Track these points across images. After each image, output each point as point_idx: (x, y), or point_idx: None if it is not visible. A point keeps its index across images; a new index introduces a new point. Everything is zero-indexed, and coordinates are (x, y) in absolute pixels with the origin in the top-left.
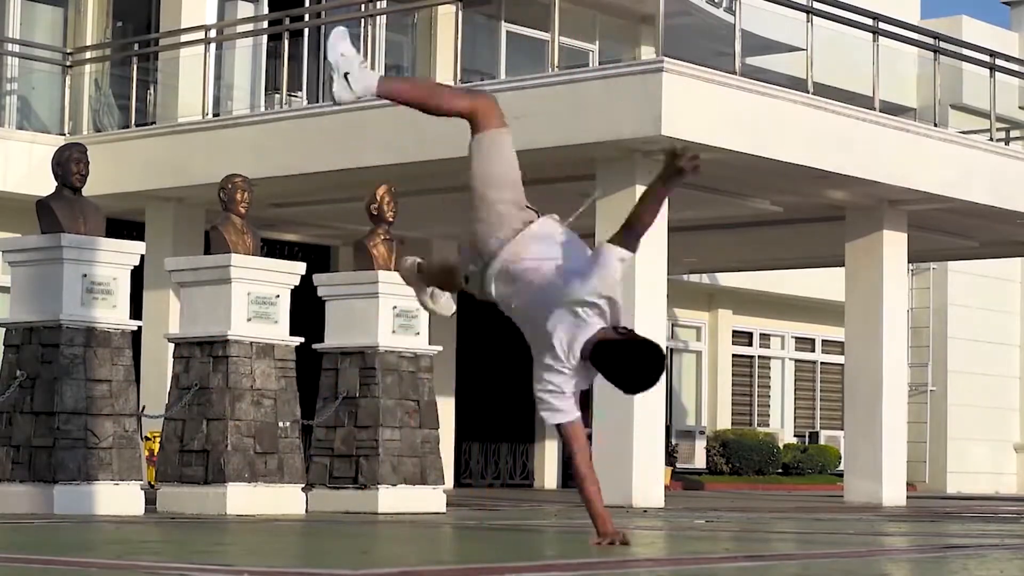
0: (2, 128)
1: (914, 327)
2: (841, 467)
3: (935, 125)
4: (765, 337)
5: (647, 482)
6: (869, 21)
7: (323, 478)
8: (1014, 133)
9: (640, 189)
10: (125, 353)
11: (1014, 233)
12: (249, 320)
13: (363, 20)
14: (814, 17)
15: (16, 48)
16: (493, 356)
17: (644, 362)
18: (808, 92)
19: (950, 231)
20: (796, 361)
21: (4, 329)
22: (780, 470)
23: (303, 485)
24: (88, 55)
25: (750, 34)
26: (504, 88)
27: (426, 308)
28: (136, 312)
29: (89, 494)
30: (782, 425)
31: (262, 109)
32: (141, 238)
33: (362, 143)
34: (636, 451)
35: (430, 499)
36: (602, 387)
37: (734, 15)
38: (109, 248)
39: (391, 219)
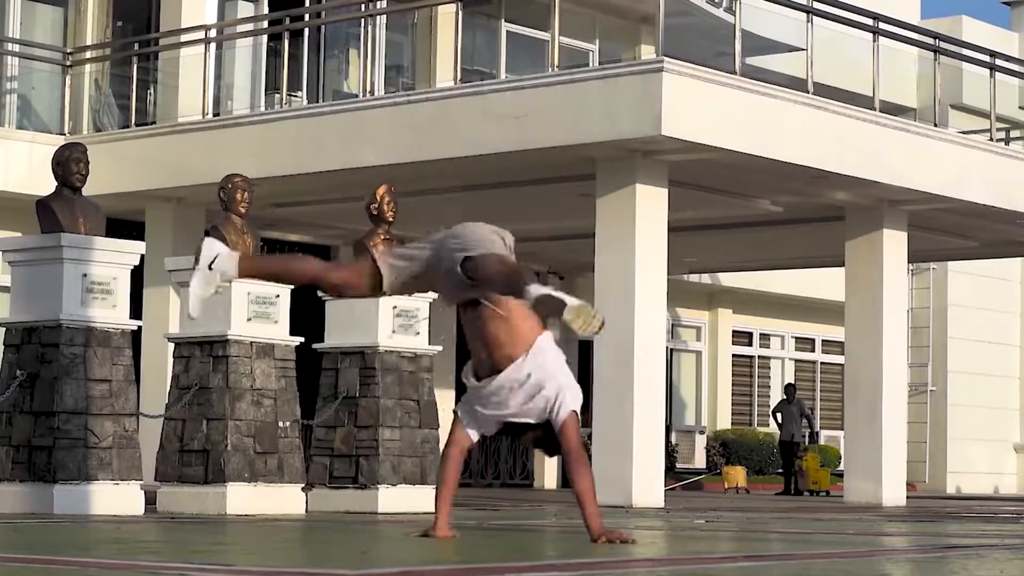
0: (2, 128)
1: (914, 327)
2: (841, 467)
3: (935, 125)
4: (765, 337)
5: (647, 482)
6: (869, 21)
7: (323, 478)
8: (1014, 133)
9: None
10: (125, 353)
11: (1014, 233)
12: (249, 320)
13: (363, 20)
14: (814, 17)
15: (16, 48)
16: None
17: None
18: (808, 92)
19: (950, 231)
20: (796, 361)
21: (4, 329)
22: (780, 470)
23: (303, 485)
24: (88, 55)
25: (750, 34)
26: (504, 88)
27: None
28: (136, 312)
29: (89, 494)
30: None
31: (262, 109)
32: (141, 238)
33: (362, 143)
34: (636, 451)
35: (430, 499)
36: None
37: (734, 15)
38: (109, 248)
39: (391, 219)
